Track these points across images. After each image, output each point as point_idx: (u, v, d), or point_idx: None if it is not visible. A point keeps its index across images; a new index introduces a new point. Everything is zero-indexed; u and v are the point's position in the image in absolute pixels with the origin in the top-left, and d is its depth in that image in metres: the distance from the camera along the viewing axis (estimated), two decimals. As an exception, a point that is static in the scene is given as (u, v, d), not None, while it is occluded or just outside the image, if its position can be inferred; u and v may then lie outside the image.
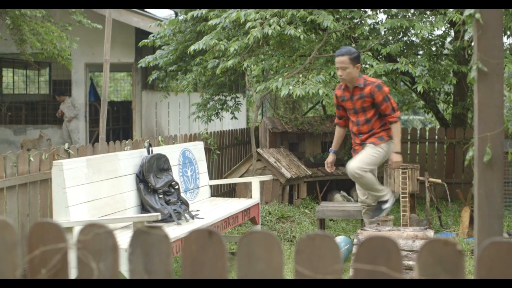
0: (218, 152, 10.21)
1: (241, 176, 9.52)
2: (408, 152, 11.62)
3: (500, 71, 3.00)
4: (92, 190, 5.73)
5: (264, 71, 10.61)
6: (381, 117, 6.87)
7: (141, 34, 14.55)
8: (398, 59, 9.27)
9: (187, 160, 7.43)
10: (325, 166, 7.30)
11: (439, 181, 8.67)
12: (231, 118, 11.77)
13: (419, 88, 8.78)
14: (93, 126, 17.51)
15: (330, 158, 7.28)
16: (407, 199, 8.19)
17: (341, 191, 10.01)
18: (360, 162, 6.78)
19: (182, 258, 2.17)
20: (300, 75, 8.69)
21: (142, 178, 6.36)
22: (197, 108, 11.21)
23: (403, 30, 10.03)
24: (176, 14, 16.08)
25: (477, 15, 2.97)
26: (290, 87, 8.36)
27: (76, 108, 16.12)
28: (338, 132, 7.34)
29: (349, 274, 5.88)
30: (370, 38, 9.52)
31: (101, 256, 2.21)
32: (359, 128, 6.94)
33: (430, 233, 6.29)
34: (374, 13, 9.93)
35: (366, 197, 7.15)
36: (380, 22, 10.06)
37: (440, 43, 10.98)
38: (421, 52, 10.46)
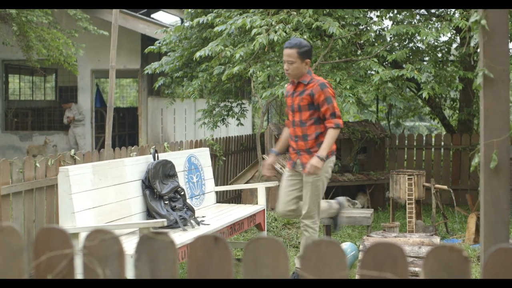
0: (224, 158, 10.21)
1: (247, 182, 9.51)
2: (414, 158, 11.61)
3: (506, 77, 3.00)
4: (98, 196, 5.73)
5: (269, 77, 10.62)
6: (318, 123, 6.08)
7: (147, 40, 14.59)
8: (404, 66, 9.27)
9: (193, 166, 7.43)
10: (263, 167, 6.50)
11: (445, 187, 8.65)
12: (237, 125, 11.77)
13: (425, 95, 8.77)
14: (99, 132, 17.55)
15: (270, 159, 6.44)
16: (413, 206, 8.18)
17: (347, 198, 9.99)
18: (307, 213, 6.12)
19: (188, 264, 2.18)
20: (306, 82, 8.68)
21: (148, 184, 6.36)
22: (203, 114, 11.22)
23: (408, 36, 10.03)
24: (182, 21, 16.13)
25: (483, 22, 2.97)
26: (296, 93, 8.35)
27: (81, 115, 16.18)
28: (285, 132, 6.47)
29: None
30: (376, 44, 9.52)
31: (107, 262, 2.21)
32: (294, 130, 6.17)
33: (436, 240, 6.28)
34: (379, 19, 9.93)
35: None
36: (386, 29, 10.07)
37: (446, 50, 10.98)
38: (427, 59, 10.46)
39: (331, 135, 5.95)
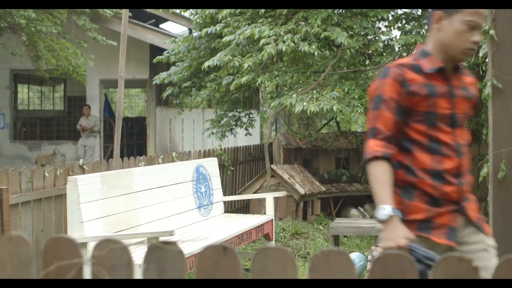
0: (232, 168, 10.20)
1: (255, 192, 9.51)
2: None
3: (515, 87, 2.99)
4: (107, 205, 5.73)
5: (278, 87, 10.63)
6: None
7: (156, 50, 14.65)
8: (412, 75, 9.24)
9: (201, 176, 7.43)
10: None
11: (453, 197, 8.61)
12: (245, 134, 11.78)
13: (433, 104, 8.73)
14: (108, 142, 17.59)
15: (403, 230, 2.83)
16: (422, 216, 8.14)
17: (358, 207, 9.98)
18: None
19: (196, 274, 2.17)
20: (314, 91, 8.69)
21: None
22: (211, 124, 11.24)
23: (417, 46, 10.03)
24: (190, 31, 16.18)
25: (492, 32, 2.97)
26: (304, 103, 8.37)
27: (97, 127, 16.18)
28: (387, 175, 2.92)
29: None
30: (384, 54, 9.52)
31: (115, 271, 2.21)
32: (460, 162, 3.02)
33: (445, 250, 6.25)
34: (388, 29, 9.93)
35: None
36: (394, 39, 10.07)
37: (455, 59, 10.95)
38: (435, 68, 10.44)
39: None
